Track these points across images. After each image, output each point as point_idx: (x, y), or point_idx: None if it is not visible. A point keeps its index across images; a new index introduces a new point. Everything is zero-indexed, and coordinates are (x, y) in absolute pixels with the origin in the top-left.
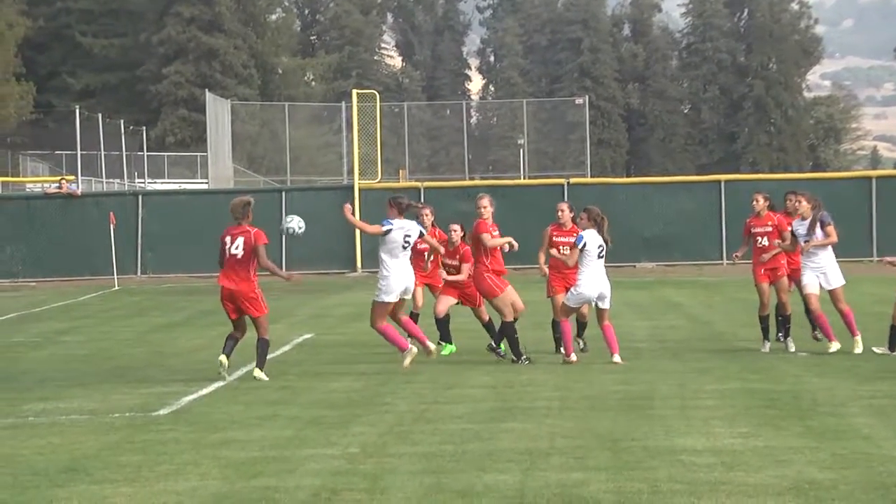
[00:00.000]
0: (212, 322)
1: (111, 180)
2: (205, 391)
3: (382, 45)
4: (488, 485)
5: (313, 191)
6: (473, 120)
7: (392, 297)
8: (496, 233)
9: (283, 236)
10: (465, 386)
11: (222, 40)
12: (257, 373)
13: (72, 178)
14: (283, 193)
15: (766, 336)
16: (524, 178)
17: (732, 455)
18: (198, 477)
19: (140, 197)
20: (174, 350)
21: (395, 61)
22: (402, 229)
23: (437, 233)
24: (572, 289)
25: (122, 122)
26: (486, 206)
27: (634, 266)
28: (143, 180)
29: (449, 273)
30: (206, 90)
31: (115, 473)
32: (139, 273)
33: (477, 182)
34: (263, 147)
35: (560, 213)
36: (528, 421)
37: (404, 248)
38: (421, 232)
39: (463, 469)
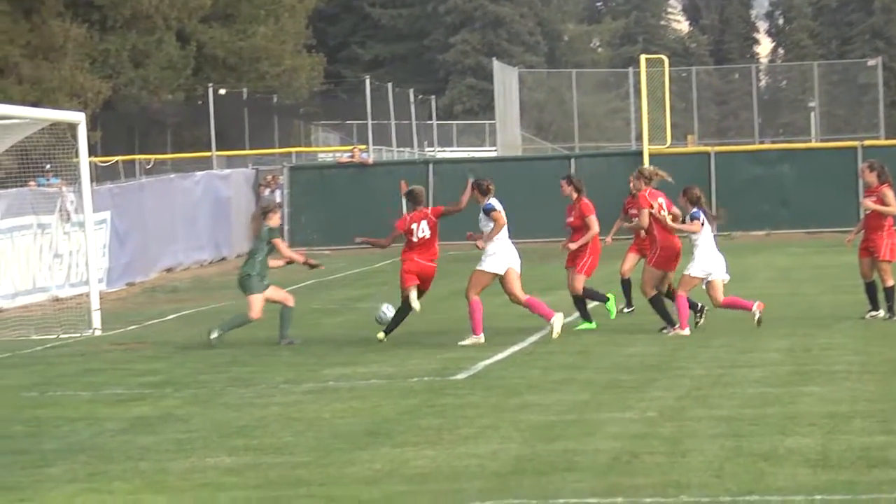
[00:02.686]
0: (500, 290)
1: (402, 149)
2: (500, 356)
3: (669, 9)
4: (790, 448)
5: (602, 157)
6: (762, 83)
7: (496, 269)
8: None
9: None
10: (761, 350)
11: (508, 8)
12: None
13: (363, 147)
14: (573, 160)
15: None
16: (815, 142)
17: None
18: (498, 440)
19: (430, 165)
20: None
21: (682, 26)
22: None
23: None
24: (697, 263)
25: (410, 91)
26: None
27: None
28: (432, 149)
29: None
30: (494, 58)
31: (417, 437)
32: None
33: (768, 146)
34: (551, 114)
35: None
36: (829, 384)
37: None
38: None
39: (764, 433)
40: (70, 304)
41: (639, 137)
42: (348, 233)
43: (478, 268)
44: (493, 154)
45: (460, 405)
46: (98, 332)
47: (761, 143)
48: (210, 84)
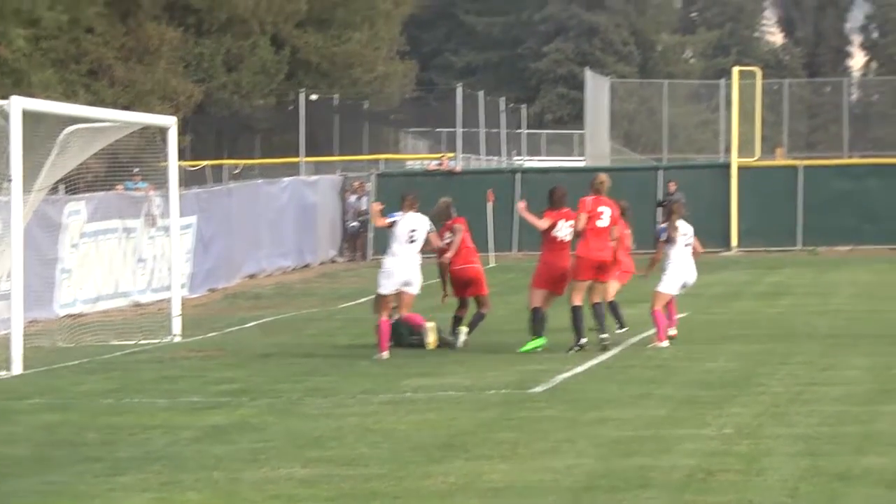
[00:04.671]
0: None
1: (490, 157)
2: (580, 369)
3: (763, 21)
4: (867, 468)
5: (690, 168)
6: (854, 97)
7: (386, 290)
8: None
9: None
10: (841, 367)
11: (604, 17)
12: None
13: (452, 155)
14: (660, 171)
15: None
16: None
17: None
18: (574, 455)
19: (518, 174)
20: (549, 327)
21: (776, 38)
22: (409, 224)
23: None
24: (668, 278)
25: (501, 99)
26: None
27: None
28: (520, 157)
29: None
30: (586, 68)
31: (492, 450)
32: (515, 250)
33: (856, 160)
34: (641, 125)
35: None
36: None
37: (410, 242)
38: (430, 228)
39: (840, 452)
40: (151, 309)
41: (727, 150)
42: None
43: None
44: (582, 164)
45: (537, 419)
46: (178, 339)
47: (850, 157)
48: (302, 89)
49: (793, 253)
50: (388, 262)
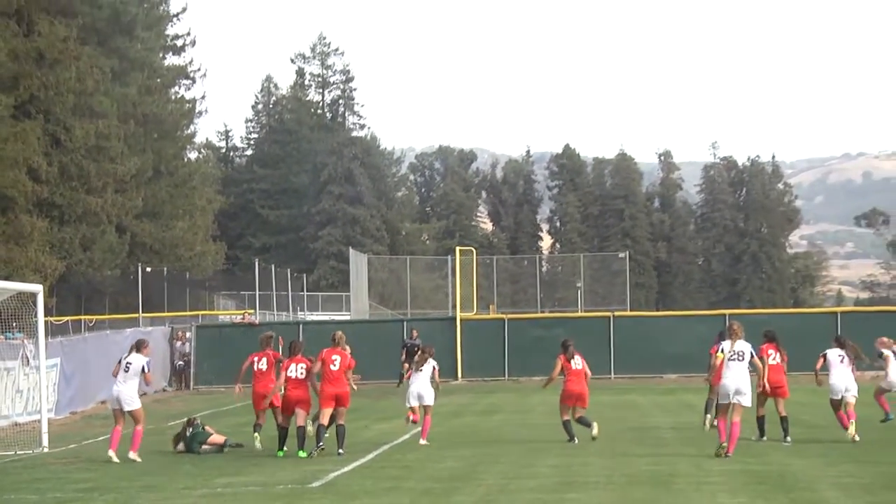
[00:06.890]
0: (357, 417)
1: (280, 313)
2: (346, 469)
3: (478, 214)
4: None
5: (427, 321)
6: (544, 269)
7: (112, 406)
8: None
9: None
10: (538, 466)
11: (362, 211)
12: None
13: (251, 312)
14: (405, 323)
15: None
16: (581, 312)
17: None
18: None
19: (301, 325)
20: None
21: (487, 226)
22: (127, 359)
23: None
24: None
25: (289, 270)
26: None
27: (661, 377)
28: (303, 313)
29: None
30: (350, 247)
31: None
32: None
33: (547, 314)
34: (391, 288)
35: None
36: (583, 492)
37: (126, 370)
38: (145, 364)
39: None
40: (26, 427)
41: (454, 307)
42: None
43: None
44: (348, 318)
45: None
46: (46, 450)
47: (542, 312)
48: (139, 263)
49: (502, 382)
50: (114, 387)
